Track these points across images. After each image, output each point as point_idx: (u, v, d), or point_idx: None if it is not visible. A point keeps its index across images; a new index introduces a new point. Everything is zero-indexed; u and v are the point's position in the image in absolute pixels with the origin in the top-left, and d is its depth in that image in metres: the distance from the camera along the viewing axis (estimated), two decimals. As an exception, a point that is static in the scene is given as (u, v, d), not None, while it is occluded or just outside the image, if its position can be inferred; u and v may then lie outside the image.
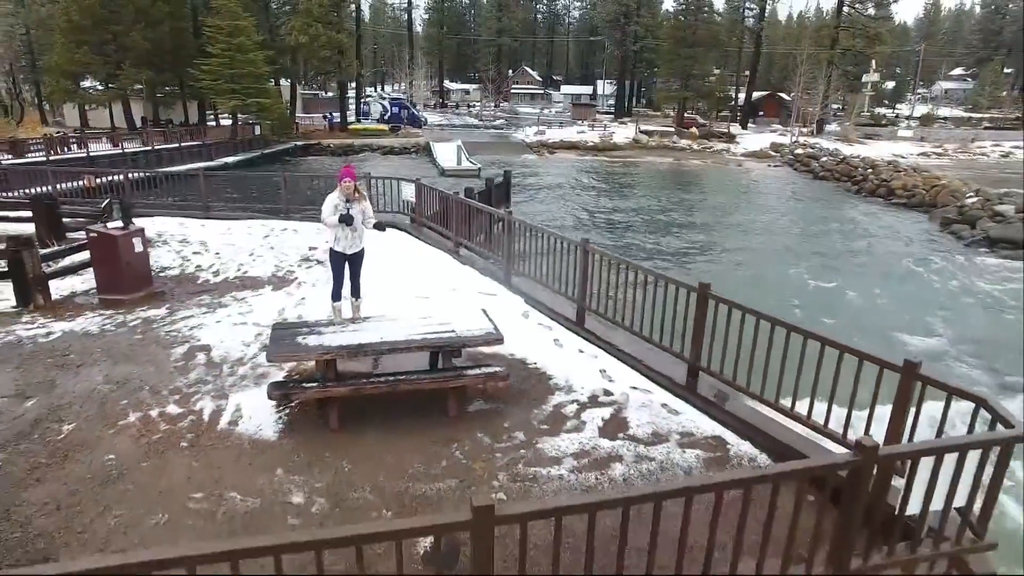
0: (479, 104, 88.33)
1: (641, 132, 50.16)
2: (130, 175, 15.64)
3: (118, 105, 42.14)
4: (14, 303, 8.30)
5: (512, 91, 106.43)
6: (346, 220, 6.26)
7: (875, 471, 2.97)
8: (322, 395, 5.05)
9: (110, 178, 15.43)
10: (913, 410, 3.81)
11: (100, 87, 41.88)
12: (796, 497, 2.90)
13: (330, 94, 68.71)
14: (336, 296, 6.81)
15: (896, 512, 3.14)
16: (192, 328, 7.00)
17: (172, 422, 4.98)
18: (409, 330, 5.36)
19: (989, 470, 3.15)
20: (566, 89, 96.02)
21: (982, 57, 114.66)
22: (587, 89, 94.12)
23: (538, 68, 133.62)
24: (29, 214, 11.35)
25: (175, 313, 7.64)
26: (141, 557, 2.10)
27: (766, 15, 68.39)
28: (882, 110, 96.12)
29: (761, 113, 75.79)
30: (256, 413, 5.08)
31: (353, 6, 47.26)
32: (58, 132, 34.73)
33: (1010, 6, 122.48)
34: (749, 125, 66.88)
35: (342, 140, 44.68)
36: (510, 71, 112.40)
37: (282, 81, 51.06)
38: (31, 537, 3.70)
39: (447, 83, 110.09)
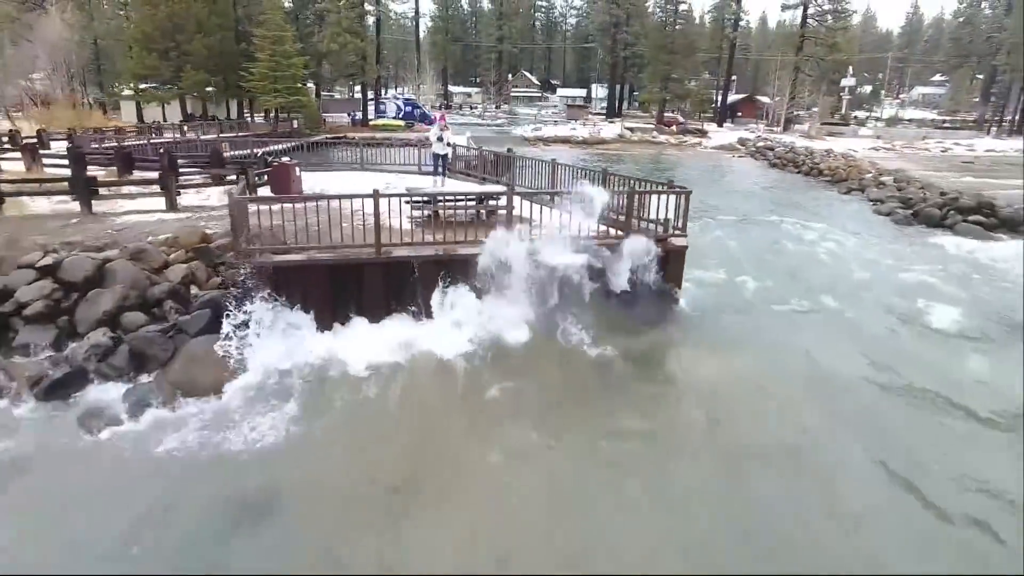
0: (481, 105, 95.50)
1: (625, 128, 57.33)
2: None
3: (169, 103, 49.30)
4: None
5: (512, 94, 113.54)
6: (439, 137, 13.31)
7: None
8: (431, 211, 12.06)
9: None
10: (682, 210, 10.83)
11: (159, 87, 48.89)
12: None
13: (342, 95, 76.10)
14: (433, 174, 13.84)
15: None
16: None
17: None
18: (468, 190, 12.39)
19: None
20: (562, 92, 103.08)
21: (954, 64, 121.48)
22: (581, 92, 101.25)
23: (536, 72, 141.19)
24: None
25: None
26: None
27: (752, 25, 75.55)
28: (861, 112, 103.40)
29: (739, 113, 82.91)
30: (406, 222, 12.08)
31: (373, 18, 54.14)
32: (153, 123, 41.40)
33: (985, 10, 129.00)
34: (727, 124, 73.94)
35: (364, 134, 51.58)
36: (510, 75, 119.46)
37: (308, 84, 58.04)
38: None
39: (450, 87, 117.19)
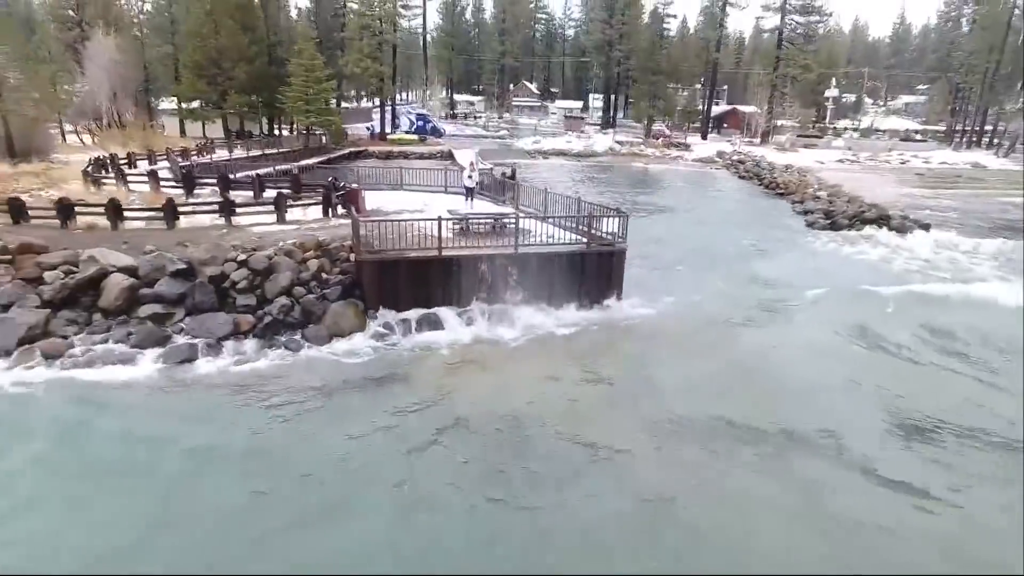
0: (484, 115, 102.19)
1: (615, 142, 63.97)
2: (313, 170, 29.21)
3: (213, 121, 55.94)
4: (322, 214, 21.99)
5: (513, 103, 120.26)
6: (469, 176, 19.91)
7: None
8: (463, 227, 18.65)
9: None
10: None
11: (205, 107, 55.52)
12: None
13: (350, 103, 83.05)
14: (465, 198, 20.42)
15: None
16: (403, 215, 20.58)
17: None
18: (487, 211, 19.00)
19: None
20: (561, 104, 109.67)
21: (932, 77, 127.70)
22: (578, 104, 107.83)
23: (537, 81, 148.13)
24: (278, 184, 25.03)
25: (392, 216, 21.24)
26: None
27: (745, 34, 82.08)
28: (846, 120, 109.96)
29: (725, 125, 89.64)
30: (447, 232, 18.64)
31: (390, 39, 60.63)
32: (209, 140, 47.62)
33: (963, 26, 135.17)
34: (712, 136, 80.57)
35: (383, 148, 58.39)
36: (511, 85, 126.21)
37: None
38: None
39: (455, 95, 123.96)
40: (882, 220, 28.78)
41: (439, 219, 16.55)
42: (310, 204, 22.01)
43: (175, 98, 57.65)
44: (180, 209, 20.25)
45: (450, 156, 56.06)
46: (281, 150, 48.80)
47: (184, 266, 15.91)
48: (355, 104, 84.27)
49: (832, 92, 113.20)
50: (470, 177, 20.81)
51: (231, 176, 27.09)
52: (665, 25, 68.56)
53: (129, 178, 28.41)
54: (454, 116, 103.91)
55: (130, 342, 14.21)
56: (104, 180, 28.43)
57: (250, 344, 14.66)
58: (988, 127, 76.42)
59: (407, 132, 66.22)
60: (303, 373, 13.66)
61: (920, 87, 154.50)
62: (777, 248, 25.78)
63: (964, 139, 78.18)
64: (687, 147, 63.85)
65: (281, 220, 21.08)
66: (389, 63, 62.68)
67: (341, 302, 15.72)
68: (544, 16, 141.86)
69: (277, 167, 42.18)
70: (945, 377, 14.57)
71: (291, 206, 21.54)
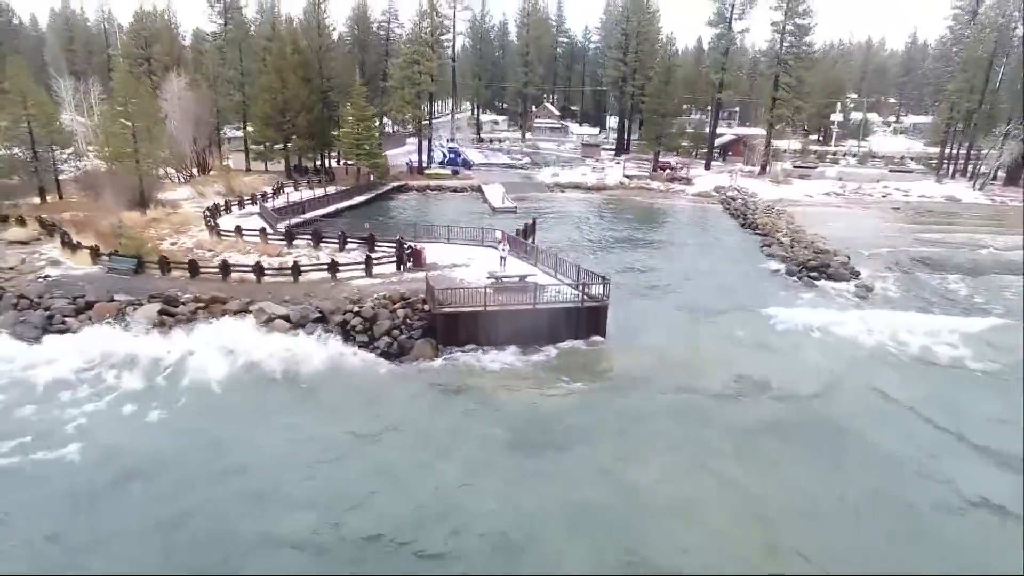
0: (507, 140, 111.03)
1: (625, 176, 72.26)
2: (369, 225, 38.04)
3: (275, 160, 65.38)
4: (395, 268, 30.84)
5: (535, 124, 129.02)
6: (502, 247, 28.57)
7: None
8: (496, 286, 27.30)
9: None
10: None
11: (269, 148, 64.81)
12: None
13: (390, 131, 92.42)
14: (500, 263, 29.05)
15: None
16: (454, 270, 29.24)
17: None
18: (515, 272, 27.66)
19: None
20: (580, 130, 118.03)
21: (936, 100, 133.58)
22: (595, 131, 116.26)
23: (558, 101, 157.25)
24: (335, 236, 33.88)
25: (443, 271, 29.93)
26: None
27: (755, 61, 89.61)
28: (852, 142, 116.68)
29: (730, 153, 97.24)
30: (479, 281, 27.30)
31: (427, 87, 69.44)
32: (278, 183, 56.64)
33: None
34: (717, 163, 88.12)
35: (422, 182, 67.32)
36: (534, 107, 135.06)
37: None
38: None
39: (480, 115, 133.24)
40: (823, 268, 36.74)
41: (484, 288, 25.26)
42: (386, 261, 30.77)
43: (239, 130, 67.21)
44: (301, 266, 29.17)
45: (479, 190, 64.81)
46: (339, 189, 57.92)
47: (319, 315, 24.80)
48: (393, 130, 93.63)
49: (837, 116, 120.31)
50: (503, 250, 29.30)
51: (322, 233, 35.96)
52: (674, 47, 76.19)
53: (240, 229, 37.42)
54: (480, 139, 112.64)
55: (296, 365, 23.10)
56: (224, 233, 37.44)
57: (382, 367, 23.58)
58: (974, 158, 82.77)
59: (440, 164, 74.98)
60: (409, 379, 22.56)
61: (932, 104, 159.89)
62: (724, 298, 33.66)
63: (950, 170, 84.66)
64: (688, 181, 71.73)
65: (369, 275, 29.91)
66: (427, 107, 71.57)
67: (422, 340, 24.50)
68: (565, 40, 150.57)
69: (338, 206, 51.72)
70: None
71: (376, 264, 30.32)
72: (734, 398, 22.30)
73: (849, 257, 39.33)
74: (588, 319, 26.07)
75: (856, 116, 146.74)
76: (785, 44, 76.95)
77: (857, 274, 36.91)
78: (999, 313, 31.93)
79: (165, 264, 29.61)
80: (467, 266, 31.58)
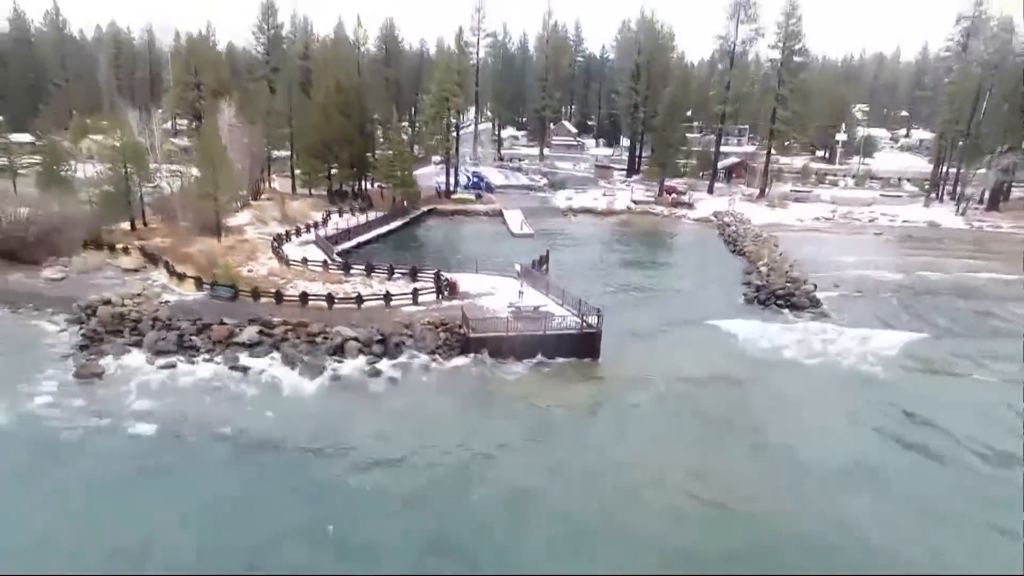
0: (526, 159, 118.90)
1: (632, 201, 79.73)
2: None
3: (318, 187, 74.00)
4: (435, 297, 38.79)
5: (553, 141, 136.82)
6: (520, 285, 36.34)
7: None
8: (515, 314, 35.07)
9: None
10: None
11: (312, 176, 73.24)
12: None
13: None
14: (518, 293, 36.81)
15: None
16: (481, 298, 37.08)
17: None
18: (530, 302, 35.44)
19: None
20: (594, 150, 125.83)
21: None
22: (608, 151, 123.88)
23: (575, 116, 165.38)
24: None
25: (474, 299, 37.78)
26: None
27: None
28: (857, 157, 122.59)
29: (734, 175, 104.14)
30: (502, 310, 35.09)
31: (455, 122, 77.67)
32: (326, 213, 64.83)
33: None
34: (720, 184, 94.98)
35: (449, 206, 75.40)
36: (551, 124, 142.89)
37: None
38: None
39: (501, 132, 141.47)
40: (788, 297, 43.90)
41: (507, 319, 33.07)
42: (427, 292, 38.68)
43: (283, 150, 76.18)
44: (363, 297, 37.18)
45: (500, 215, 72.63)
46: (377, 215, 66.05)
47: (381, 337, 32.73)
48: (420, 154, 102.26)
49: (841, 136, 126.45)
50: (521, 284, 37.09)
51: (373, 265, 43.99)
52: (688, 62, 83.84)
53: (307, 260, 45.51)
54: (501, 158, 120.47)
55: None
56: (292, 263, 45.53)
57: (431, 369, 31.53)
58: (962, 184, 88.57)
59: (465, 188, 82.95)
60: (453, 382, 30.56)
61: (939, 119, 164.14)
62: (695, 318, 41.14)
63: (941, 193, 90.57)
64: (690, 206, 78.93)
65: (415, 303, 37.79)
66: (454, 140, 79.79)
67: (461, 357, 32.30)
68: (582, 59, 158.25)
69: (378, 231, 59.79)
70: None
71: (421, 294, 38.23)
72: (683, 396, 30.26)
73: (815, 285, 46.43)
74: (585, 342, 33.74)
75: (862, 131, 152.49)
76: (782, 79, 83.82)
77: (818, 302, 44.05)
78: (930, 330, 39.77)
79: (256, 293, 37.74)
80: (492, 295, 39.41)
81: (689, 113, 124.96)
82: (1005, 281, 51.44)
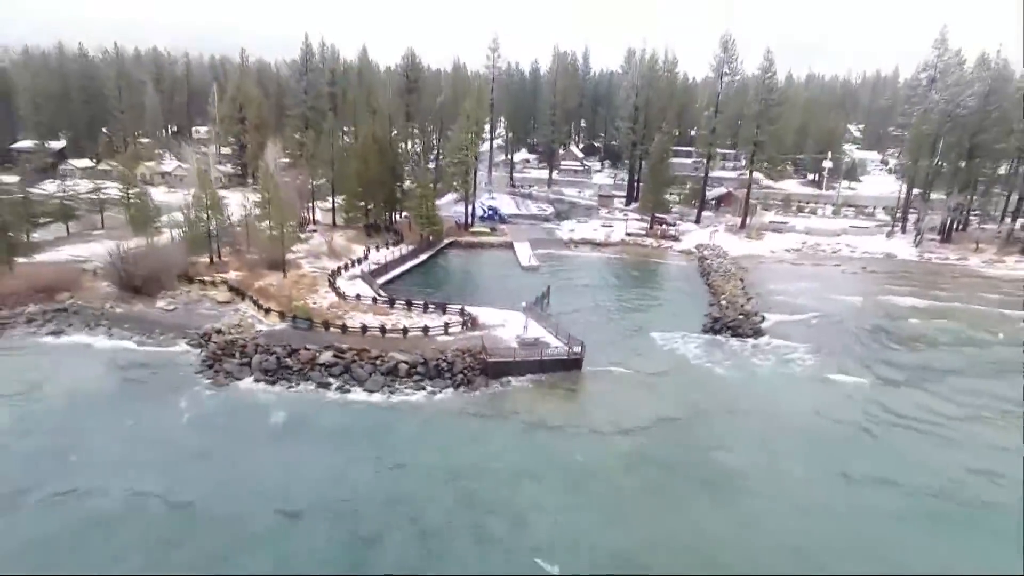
0: (535, 186, 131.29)
1: (627, 234, 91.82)
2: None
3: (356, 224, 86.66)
4: (461, 328, 51.26)
5: (561, 165, 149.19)
6: (525, 322, 48.70)
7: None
8: (521, 344, 47.40)
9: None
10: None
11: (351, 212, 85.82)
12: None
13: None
14: (524, 327, 49.10)
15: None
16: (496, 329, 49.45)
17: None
18: (532, 334, 47.79)
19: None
20: (598, 178, 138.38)
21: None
22: (610, 181, 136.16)
23: (583, 138, 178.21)
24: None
25: (489, 330, 50.17)
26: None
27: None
28: (846, 182, 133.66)
29: (723, 204, 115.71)
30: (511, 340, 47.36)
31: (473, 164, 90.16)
32: (367, 249, 77.48)
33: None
34: (708, 215, 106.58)
35: (467, 238, 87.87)
36: (561, 148, 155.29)
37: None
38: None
39: (512, 156, 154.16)
40: (736, 327, 55.66)
41: (515, 348, 45.43)
42: (456, 324, 51.06)
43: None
44: (408, 328, 49.65)
45: (511, 247, 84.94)
46: (407, 248, 78.52)
47: (423, 360, 45.15)
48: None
49: (828, 164, 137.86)
50: (526, 320, 49.43)
51: (412, 300, 56.47)
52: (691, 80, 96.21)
53: (360, 296, 58.01)
54: (513, 184, 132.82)
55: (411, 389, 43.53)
56: (347, 298, 57.98)
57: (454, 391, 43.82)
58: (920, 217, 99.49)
59: (481, 219, 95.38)
60: (477, 399, 42.91)
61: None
62: (654, 341, 53.36)
63: (903, 226, 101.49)
64: (677, 239, 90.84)
65: (446, 333, 50.13)
66: (472, 179, 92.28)
67: (481, 376, 44.64)
68: (589, 88, 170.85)
69: (411, 263, 72.17)
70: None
71: (450, 326, 50.61)
72: (637, 383, 42.45)
73: (763, 317, 58.30)
74: (571, 363, 46.01)
75: (850, 156, 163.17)
76: (759, 125, 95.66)
77: (761, 332, 55.85)
78: (829, 346, 52.27)
79: (326, 324, 50.26)
80: (503, 326, 51.73)
81: (692, 132, 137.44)
82: (915, 307, 63.79)
